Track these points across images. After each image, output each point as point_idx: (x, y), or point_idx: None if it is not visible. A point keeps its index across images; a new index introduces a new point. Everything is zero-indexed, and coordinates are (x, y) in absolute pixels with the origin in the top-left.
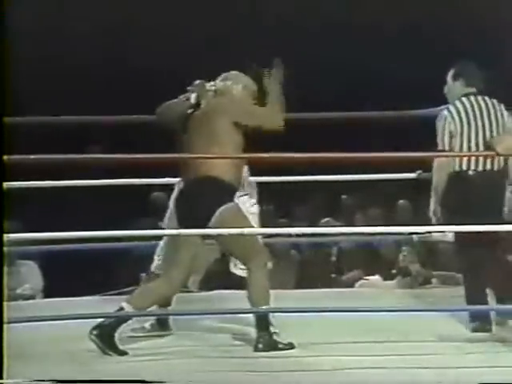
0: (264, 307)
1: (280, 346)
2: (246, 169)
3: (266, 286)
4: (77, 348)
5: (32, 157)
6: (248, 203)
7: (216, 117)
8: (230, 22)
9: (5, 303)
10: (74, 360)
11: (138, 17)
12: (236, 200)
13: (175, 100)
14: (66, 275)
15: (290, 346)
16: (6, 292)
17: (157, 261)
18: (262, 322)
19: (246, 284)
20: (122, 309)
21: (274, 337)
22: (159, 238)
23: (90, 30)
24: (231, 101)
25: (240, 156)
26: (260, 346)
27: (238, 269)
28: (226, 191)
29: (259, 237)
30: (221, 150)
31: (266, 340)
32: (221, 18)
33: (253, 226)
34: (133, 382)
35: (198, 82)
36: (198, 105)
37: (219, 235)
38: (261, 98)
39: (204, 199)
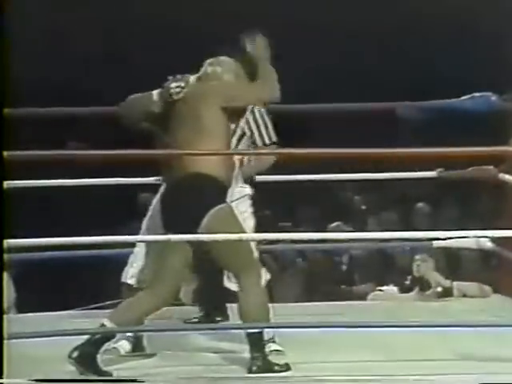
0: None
1: (276, 368)
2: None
3: (260, 302)
4: (55, 369)
5: (36, 153)
6: (243, 205)
7: (203, 103)
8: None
9: (5, 301)
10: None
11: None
12: (229, 199)
13: (139, 95)
14: (42, 287)
15: (286, 368)
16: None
17: (132, 271)
18: (257, 342)
19: (237, 300)
20: (103, 326)
21: (269, 358)
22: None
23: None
24: (221, 84)
25: (239, 152)
26: (254, 368)
27: (233, 283)
28: (217, 190)
29: (254, 245)
30: (208, 141)
31: (261, 361)
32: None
33: (245, 231)
34: (132, 381)
35: (169, 79)
36: (166, 101)
37: (209, 241)
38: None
39: (192, 200)
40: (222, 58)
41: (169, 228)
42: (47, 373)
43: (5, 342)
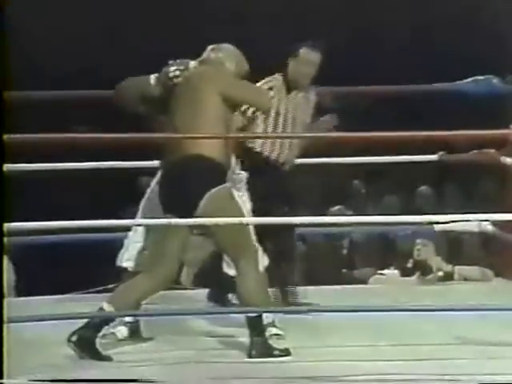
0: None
1: (275, 352)
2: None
3: (259, 286)
4: (55, 353)
5: (36, 136)
6: (240, 190)
7: (202, 85)
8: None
9: (5, 301)
10: (54, 366)
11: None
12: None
13: (135, 78)
14: (42, 270)
15: (286, 353)
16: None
17: (127, 254)
18: (256, 326)
19: (235, 285)
20: (102, 310)
21: (270, 342)
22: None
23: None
24: (220, 71)
25: (238, 136)
26: (254, 352)
27: (231, 269)
28: (215, 171)
29: (252, 229)
30: (208, 124)
31: (260, 346)
32: None
33: (243, 214)
34: (132, 381)
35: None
36: (165, 85)
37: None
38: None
39: (191, 181)
40: (225, 45)
41: (168, 210)
42: (46, 356)
43: (4, 325)
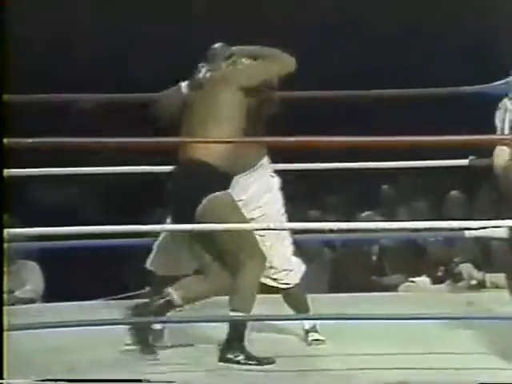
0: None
1: (252, 360)
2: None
3: (253, 293)
4: (78, 358)
5: (38, 140)
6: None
7: (218, 88)
8: None
9: (5, 301)
10: (75, 371)
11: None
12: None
13: (167, 92)
14: (71, 276)
15: (268, 362)
16: (5, 292)
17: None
18: (235, 333)
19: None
20: (168, 294)
21: (247, 349)
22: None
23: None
24: (239, 68)
25: (262, 139)
26: (228, 356)
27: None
28: (215, 177)
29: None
30: (218, 128)
31: (236, 352)
32: None
33: (245, 220)
34: (132, 381)
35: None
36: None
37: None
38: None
39: (190, 187)
40: (243, 47)
41: (172, 215)
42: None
43: (17, 332)
